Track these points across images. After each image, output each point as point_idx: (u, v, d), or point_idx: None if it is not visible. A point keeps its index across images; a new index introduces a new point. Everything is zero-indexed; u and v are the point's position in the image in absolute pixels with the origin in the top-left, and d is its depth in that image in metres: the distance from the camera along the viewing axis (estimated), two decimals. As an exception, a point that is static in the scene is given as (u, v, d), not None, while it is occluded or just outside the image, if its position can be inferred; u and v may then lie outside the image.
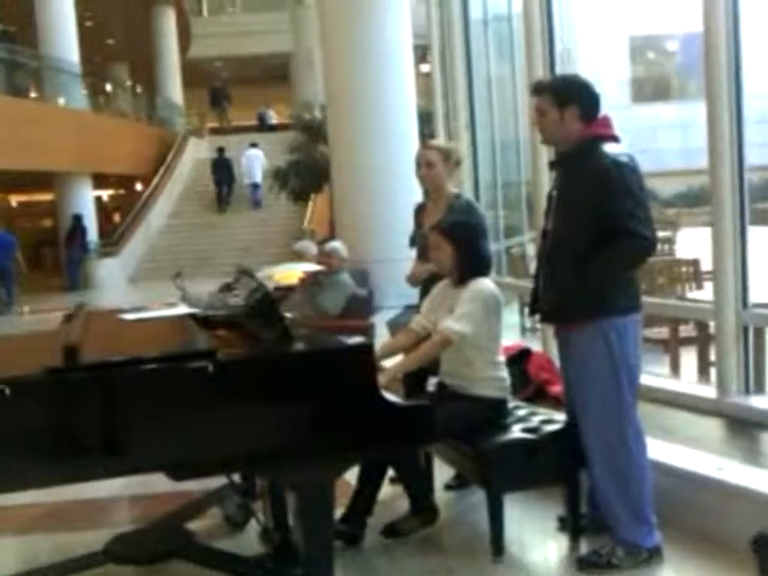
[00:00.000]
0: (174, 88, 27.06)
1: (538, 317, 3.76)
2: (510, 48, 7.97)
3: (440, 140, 6.29)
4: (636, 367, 3.36)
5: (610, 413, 3.29)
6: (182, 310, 3.94)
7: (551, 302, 3.38)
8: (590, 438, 3.35)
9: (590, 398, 3.33)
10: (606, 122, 3.36)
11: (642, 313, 3.44)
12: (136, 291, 16.94)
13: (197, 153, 24.45)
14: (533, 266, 7.56)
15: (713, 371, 5.27)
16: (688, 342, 5.59)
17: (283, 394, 2.78)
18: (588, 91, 3.37)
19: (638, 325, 3.40)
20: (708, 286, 6.78)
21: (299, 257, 6.48)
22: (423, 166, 4.25)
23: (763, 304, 4.32)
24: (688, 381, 5.28)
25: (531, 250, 8.43)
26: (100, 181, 21.34)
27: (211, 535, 3.86)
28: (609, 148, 3.25)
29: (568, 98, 3.32)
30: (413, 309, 8.36)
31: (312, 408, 2.82)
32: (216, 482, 3.81)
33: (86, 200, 19.25)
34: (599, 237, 3.15)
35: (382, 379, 3.17)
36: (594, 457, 3.36)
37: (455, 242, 3.63)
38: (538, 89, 3.45)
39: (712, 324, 4.73)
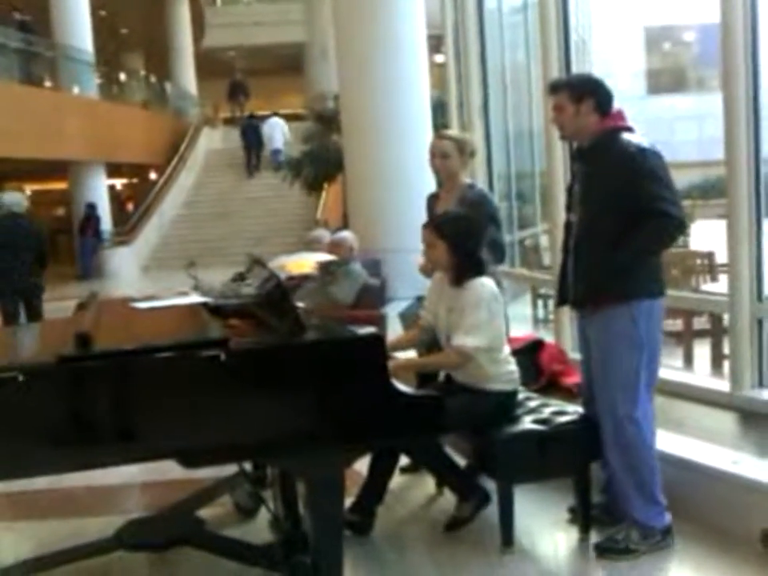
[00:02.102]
0: (187, 77, 27.04)
1: (562, 307, 3.83)
2: (525, 38, 7.95)
3: (454, 130, 6.27)
4: (657, 352, 3.44)
5: (624, 395, 3.36)
6: (195, 298, 3.94)
7: (582, 288, 3.45)
8: (606, 421, 3.42)
9: (609, 380, 3.40)
10: (621, 115, 3.47)
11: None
12: (149, 280, 16.98)
13: (210, 143, 24.49)
14: (546, 258, 7.58)
15: (726, 364, 5.26)
16: (702, 334, 5.57)
17: (295, 383, 2.78)
18: (602, 86, 3.50)
19: (663, 309, 3.48)
20: (723, 279, 6.78)
21: (313, 246, 6.47)
22: (437, 156, 4.25)
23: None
24: (701, 373, 5.26)
25: (545, 241, 8.41)
26: (113, 170, 21.38)
27: (221, 523, 3.87)
28: (630, 137, 3.36)
29: (584, 93, 3.44)
30: (425, 299, 8.35)
31: (323, 397, 2.82)
32: (227, 470, 3.83)
33: (99, 189, 19.28)
34: (629, 221, 3.24)
35: (392, 366, 3.16)
36: (608, 439, 3.42)
37: (450, 240, 3.56)
38: (554, 87, 3.57)
39: (726, 316, 4.70)
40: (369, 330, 3.04)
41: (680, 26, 26.00)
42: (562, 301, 3.68)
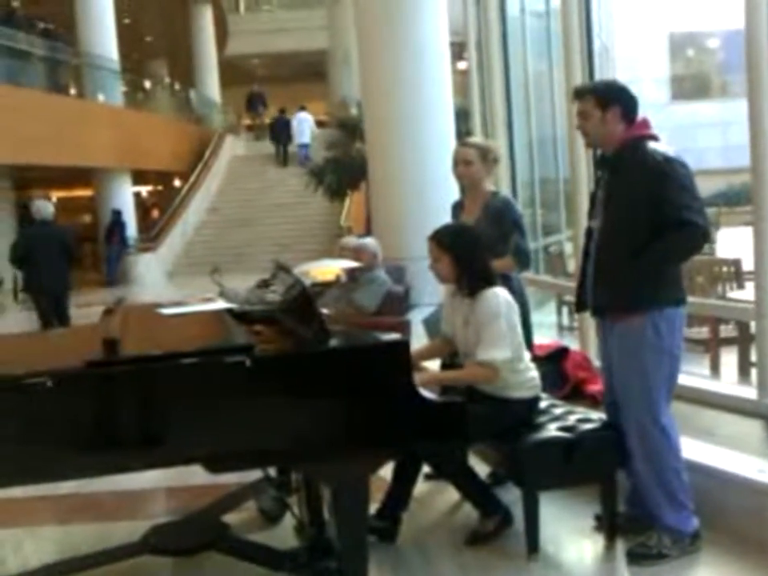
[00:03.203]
0: (211, 85, 27.22)
1: (581, 313, 3.81)
2: (548, 45, 7.93)
3: (478, 138, 6.27)
4: (678, 359, 3.43)
5: (647, 402, 3.36)
6: (220, 305, 3.97)
7: (603, 295, 3.45)
8: (630, 427, 3.42)
9: (632, 387, 3.39)
10: (646, 123, 3.46)
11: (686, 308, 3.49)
12: (174, 286, 17.09)
13: (233, 150, 24.65)
14: (571, 264, 7.55)
15: (754, 372, 5.21)
16: (729, 342, 5.53)
17: (319, 389, 2.79)
18: (628, 93, 3.48)
19: (684, 318, 3.47)
20: (749, 286, 6.72)
21: (344, 253, 6.46)
22: (460, 163, 4.24)
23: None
24: (728, 381, 5.22)
25: (569, 248, 8.40)
26: (139, 177, 21.55)
27: (246, 528, 3.88)
28: (656, 146, 3.35)
29: (610, 99, 3.42)
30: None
31: (348, 403, 2.83)
32: (252, 475, 3.84)
33: (125, 196, 19.45)
34: (653, 229, 3.24)
35: (419, 379, 3.16)
36: (634, 446, 3.42)
37: (453, 253, 3.55)
38: (579, 93, 3.54)
39: (753, 324, 4.66)
40: (394, 335, 3.04)
41: (704, 32, 25.85)
42: (580, 306, 3.68)
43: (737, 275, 6.31)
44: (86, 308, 11.51)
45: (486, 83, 7.17)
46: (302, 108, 23.75)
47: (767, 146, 4.03)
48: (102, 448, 2.67)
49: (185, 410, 2.71)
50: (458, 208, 4.44)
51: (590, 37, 5.32)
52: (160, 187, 26.31)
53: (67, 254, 8.81)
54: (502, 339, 3.46)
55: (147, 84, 23.00)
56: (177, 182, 23.42)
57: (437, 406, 2.92)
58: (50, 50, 17.12)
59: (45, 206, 9.07)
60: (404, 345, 2.88)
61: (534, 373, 3.67)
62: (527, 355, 3.67)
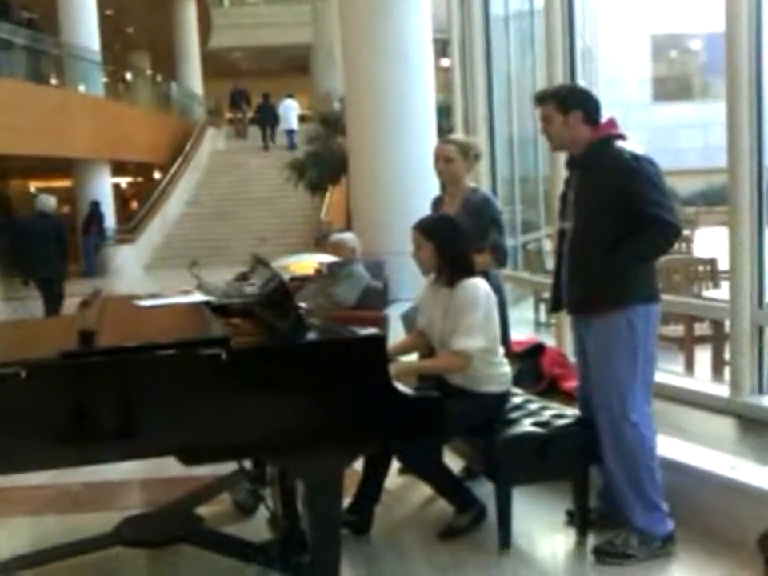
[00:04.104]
0: (193, 78, 27.10)
1: (557, 312, 3.83)
2: (531, 44, 7.97)
3: (459, 134, 6.28)
4: (653, 356, 3.44)
5: (621, 400, 3.35)
6: (197, 297, 3.96)
7: (578, 293, 3.46)
8: (603, 424, 3.42)
9: (606, 385, 3.40)
10: (613, 123, 3.48)
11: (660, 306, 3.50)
12: (151, 279, 17.00)
13: (214, 143, 24.56)
14: (549, 262, 7.59)
15: (727, 370, 5.27)
16: (703, 340, 5.58)
17: (295, 382, 2.78)
18: (588, 96, 3.53)
19: (658, 315, 3.48)
20: (725, 286, 6.79)
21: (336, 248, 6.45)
22: (441, 160, 4.26)
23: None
24: (702, 379, 5.27)
25: (548, 245, 8.44)
26: (118, 168, 21.43)
27: (220, 520, 3.88)
28: (625, 144, 3.36)
29: (571, 103, 3.45)
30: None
31: (323, 397, 2.82)
32: (226, 467, 3.84)
33: (104, 187, 19.33)
34: (624, 228, 3.25)
35: (393, 368, 3.18)
36: (606, 442, 3.42)
37: (436, 242, 3.58)
38: (541, 98, 3.55)
39: (727, 323, 4.71)
40: (370, 330, 3.04)
41: (686, 34, 26.00)
42: (555, 306, 3.71)
43: (713, 274, 6.38)
44: (17, 301, 11.60)
45: (468, 80, 7.18)
46: (289, 95, 24.41)
47: (744, 147, 4.07)
48: (77, 439, 2.64)
49: (160, 401, 2.70)
50: (437, 204, 4.45)
51: (572, 37, 5.34)
52: (140, 179, 26.15)
53: (62, 245, 9.77)
54: (477, 329, 3.48)
55: (128, 75, 22.86)
56: (157, 174, 23.30)
57: (412, 401, 2.92)
58: (31, 40, 16.98)
59: (47, 199, 10.21)
60: (380, 339, 2.89)
61: (506, 368, 3.69)
62: (501, 350, 3.70)
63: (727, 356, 5.23)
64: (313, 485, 2.91)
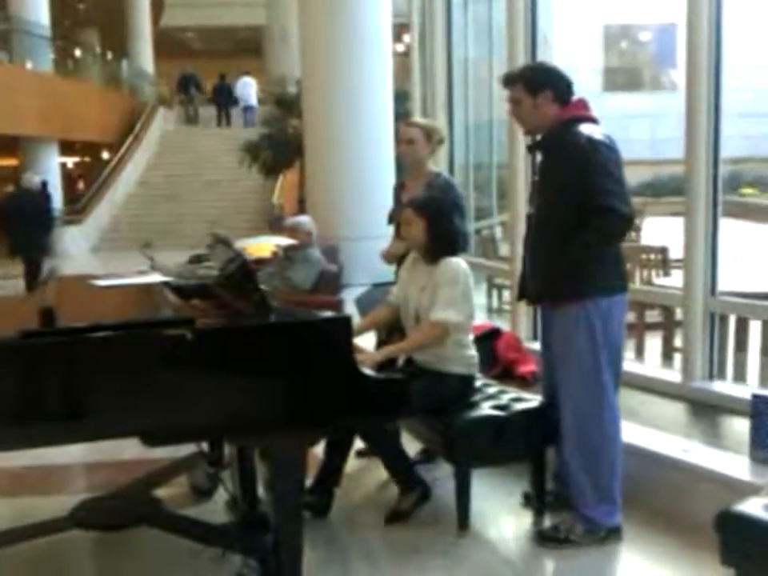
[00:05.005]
0: (144, 56, 26.64)
1: (521, 301, 3.77)
2: (489, 29, 7.98)
3: (422, 118, 6.26)
4: (619, 349, 3.38)
5: (587, 393, 3.31)
6: (156, 278, 3.92)
7: (537, 284, 3.40)
8: (567, 416, 3.39)
9: (570, 378, 3.35)
10: (582, 104, 3.38)
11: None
12: (99, 260, 16.75)
13: (166, 124, 24.22)
14: (503, 248, 7.65)
15: (676, 356, 5.37)
16: (653, 327, 5.67)
17: (261, 363, 2.77)
18: (558, 75, 3.40)
19: (624, 306, 3.42)
20: (676, 273, 6.93)
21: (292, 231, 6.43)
22: (404, 142, 4.25)
23: (729, 292, 4.40)
24: (652, 365, 5.37)
25: (500, 232, 8.53)
26: (65, 147, 21.00)
27: (177, 503, 3.85)
28: (585, 128, 3.24)
29: (539, 84, 3.34)
30: (381, 287, 8.41)
31: (289, 378, 2.80)
32: (182, 450, 3.80)
33: (51, 166, 18.91)
34: (579, 216, 3.14)
35: (374, 357, 3.27)
36: (567, 435, 3.39)
37: (428, 218, 3.63)
38: (508, 80, 3.46)
39: (679, 310, 4.80)
40: (334, 312, 3.05)
41: (637, 25, 26.29)
42: (520, 295, 3.64)
43: (663, 263, 6.49)
44: (4, 280, 11.46)
45: (427, 66, 7.18)
46: (246, 73, 24.89)
47: (701, 139, 4.15)
48: (37, 420, 2.60)
49: (123, 382, 2.66)
50: (399, 189, 4.45)
51: (534, 22, 5.36)
52: (87, 158, 25.69)
53: (40, 219, 10.75)
54: (455, 303, 3.53)
55: (78, 52, 22.41)
56: (105, 154, 22.90)
57: (376, 382, 2.92)
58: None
59: (31, 177, 11.58)
60: (346, 320, 2.89)
61: (473, 352, 3.74)
62: (471, 334, 3.74)
63: (677, 343, 5.36)
64: (277, 466, 2.90)
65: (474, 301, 3.73)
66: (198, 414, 2.74)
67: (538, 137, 3.48)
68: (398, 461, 3.80)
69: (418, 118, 5.43)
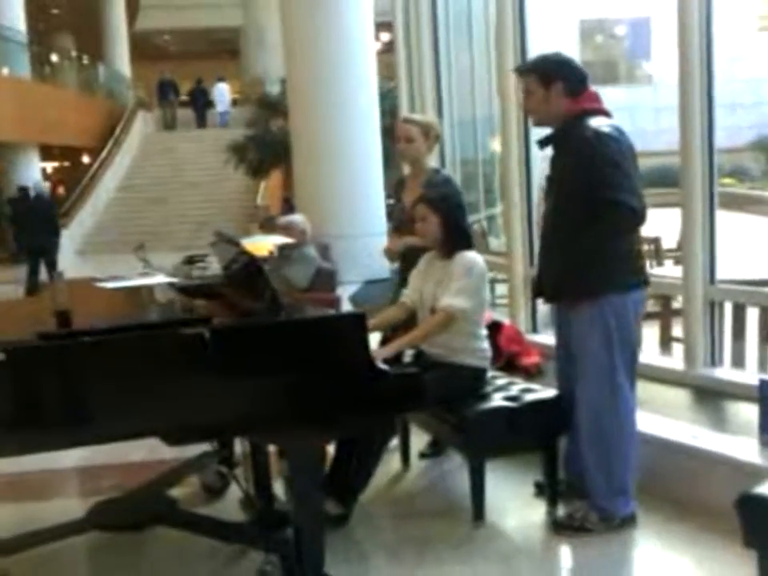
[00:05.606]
0: (121, 60, 26.55)
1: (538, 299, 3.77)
2: (468, 25, 8.00)
3: (418, 114, 6.24)
4: (633, 343, 3.37)
5: (603, 390, 3.31)
6: (161, 279, 3.93)
7: (550, 283, 3.40)
8: (582, 412, 3.40)
9: (586, 375, 3.35)
10: (593, 97, 3.35)
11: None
12: (84, 264, 16.65)
13: (146, 126, 24.13)
14: (492, 243, 7.70)
15: (674, 344, 5.43)
16: (651, 316, 5.72)
17: (280, 361, 2.78)
18: (572, 67, 3.37)
19: (640, 301, 3.41)
20: (668, 263, 7.00)
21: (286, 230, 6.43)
22: (402, 139, 4.24)
23: (728, 280, 4.46)
24: (649, 353, 5.42)
25: (486, 226, 8.59)
26: (44, 152, 20.89)
27: (190, 503, 3.86)
28: (594, 121, 3.22)
29: (552, 76, 3.30)
30: (373, 284, 8.42)
31: (305, 376, 2.80)
32: (189, 451, 3.79)
33: (32, 171, 18.77)
34: (589, 212, 3.11)
35: (384, 353, 3.30)
36: (583, 428, 3.40)
37: (442, 214, 3.67)
38: (522, 70, 3.46)
39: (678, 299, 4.85)
40: (350, 309, 3.06)
41: (612, 19, 26.44)
42: (536, 293, 3.62)
43: (657, 252, 6.55)
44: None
45: (413, 63, 7.19)
46: (221, 79, 25.73)
47: (696, 130, 4.18)
48: (64, 422, 2.61)
49: (144, 382, 2.66)
50: (400, 185, 4.46)
51: (522, 19, 5.39)
52: (66, 163, 25.54)
53: (52, 223, 11.94)
54: (465, 292, 3.56)
55: (55, 57, 22.26)
56: (85, 159, 22.79)
57: (393, 378, 2.93)
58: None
59: (39, 182, 13.59)
60: (362, 317, 2.89)
61: (486, 344, 3.77)
62: (484, 327, 3.77)
63: (674, 331, 5.42)
64: (296, 463, 2.92)
65: (486, 293, 3.75)
66: (217, 413, 2.74)
67: (548, 131, 3.43)
68: (373, 459, 3.70)
69: (414, 115, 5.42)
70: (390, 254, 4.42)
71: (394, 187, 4.52)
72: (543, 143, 3.45)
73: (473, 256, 3.66)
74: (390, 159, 9.07)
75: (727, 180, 19.22)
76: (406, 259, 4.14)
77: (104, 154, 20.94)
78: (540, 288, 3.54)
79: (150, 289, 3.87)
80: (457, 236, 3.68)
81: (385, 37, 14.30)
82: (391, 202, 4.99)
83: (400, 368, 3.30)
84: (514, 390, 3.72)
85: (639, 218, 3.14)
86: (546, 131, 3.45)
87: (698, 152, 4.21)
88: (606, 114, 3.33)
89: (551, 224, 3.40)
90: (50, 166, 25.61)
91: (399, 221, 4.35)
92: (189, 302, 3.45)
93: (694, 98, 4.18)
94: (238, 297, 3.29)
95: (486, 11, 7.47)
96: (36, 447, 2.75)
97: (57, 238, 12.03)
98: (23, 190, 17.73)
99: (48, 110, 18.52)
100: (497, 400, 3.63)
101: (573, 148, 3.22)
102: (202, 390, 2.70)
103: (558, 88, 3.30)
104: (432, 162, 4.56)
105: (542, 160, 6.46)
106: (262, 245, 6.22)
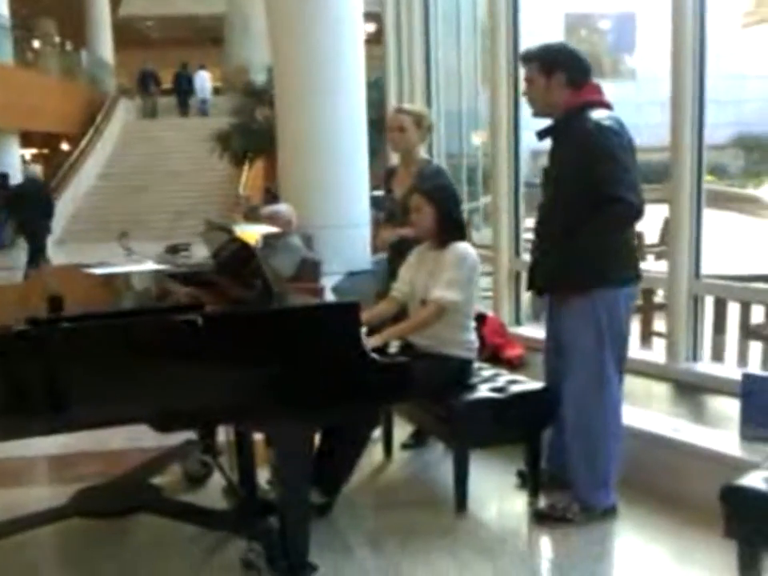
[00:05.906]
0: (104, 47, 26.33)
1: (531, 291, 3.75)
2: (457, 17, 8.01)
3: (410, 104, 6.24)
4: (624, 337, 3.39)
5: (590, 385, 3.33)
6: (150, 266, 3.93)
7: (543, 276, 3.40)
8: (569, 402, 3.42)
9: (574, 368, 3.37)
10: (595, 89, 3.32)
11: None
12: (63, 253, 16.50)
13: (128, 114, 23.97)
14: (475, 235, 7.71)
15: (654, 338, 5.48)
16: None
17: (271, 348, 2.78)
18: (575, 58, 3.34)
19: (632, 296, 3.42)
20: (650, 258, 7.05)
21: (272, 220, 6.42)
22: (395, 130, 4.25)
23: (713, 275, 4.51)
24: (630, 347, 5.45)
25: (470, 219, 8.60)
26: (23, 139, 20.72)
27: (173, 491, 3.85)
28: (595, 114, 3.20)
29: (554, 65, 3.28)
30: (356, 275, 8.42)
31: (299, 363, 2.81)
32: (171, 439, 3.78)
33: (12, 158, 18.69)
34: (587, 205, 3.10)
35: (372, 342, 3.28)
36: (569, 421, 3.43)
37: (437, 205, 3.68)
38: (526, 58, 3.42)
39: (659, 293, 4.89)
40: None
41: (597, 14, 26.48)
42: (530, 285, 3.60)
43: (639, 248, 6.58)
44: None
45: (403, 54, 7.19)
46: (202, 67, 25.96)
47: (686, 125, 4.21)
48: (52, 408, 2.60)
49: (136, 368, 2.66)
50: (390, 174, 4.47)
51: (515, 14, 5.40)
52: (45, 150, 25.33)
53: (48, 206, 12.21)
54: (456, 284, 3.57)
55: (37, 43, 22.06)
56: (65, 146, 22.60)
57: (383, 367, 2.94)
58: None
59: (34, 167, 13.93)
60: (356, 306, 2.91)
61: (474, 336, 3.79)
62: (473, 320, 3.79)
63: (655, 325, 5.47)
64: (283, 451, 2.92)
65: (477, 285, 3.77)
66: (208, 399, 2.74)
67: (548, 122, 3.40)
68: (356, 452, 3.69)
69: (406, 105, 5.43)
70: (380, 244, 4.42)
71: (384, 177, 4.53)
72: (542, 134, 3.41)
73: (465, 247, 3.68)
74: (377, 150, 9.04)
75: (708, 177, 19.32)
76: (396, 250, 4.15)
77: (84, 141, 20.77)
78: (533, 280, 3.53)
79: (126, 276, 3.85)
80: (451, 227, 3.70)
81: (369, 27, 14.26)
82: (375, 192, 4.99)
83: (388, 358, 3.32)
84: (500, 382, 3.74)
85: (637, 213, 3.13)
86: (545, 122, 3.42)
87: (687, 148, 4.24)
88: (608, 106, 3.30)
89: (547, 216, 3.39)
90: (28, 152, 25.38)
91: (390, 211, 4.36)
92: (164, 290, 3.45)
93: (685, 94, 4.20)
94: (229, 284, 3.28)
95: (474, 4, 7.50)
96: (25, 433, 2.74)
97: (48, 222, 12.33)
98: (2, 176, 17.76)
99: (30, 96, 18.36)
100: (483, 391, 3.65)
101: (573, 140, 3.20)
102: (194, 376, 2.70)
103: (559, 78, 3.28)
104: (422, 152, 4.57)
105: (529, 154, 6.50)
106: (251, 234, 6.22)
